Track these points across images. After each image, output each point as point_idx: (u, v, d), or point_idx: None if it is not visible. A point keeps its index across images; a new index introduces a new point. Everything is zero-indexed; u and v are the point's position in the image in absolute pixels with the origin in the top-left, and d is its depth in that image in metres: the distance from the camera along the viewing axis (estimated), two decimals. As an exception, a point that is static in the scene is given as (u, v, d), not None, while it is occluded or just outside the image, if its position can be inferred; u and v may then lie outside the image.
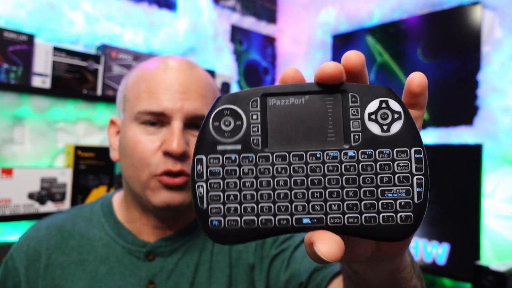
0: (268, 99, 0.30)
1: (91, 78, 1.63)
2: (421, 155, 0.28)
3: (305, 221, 0.29)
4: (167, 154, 0.59)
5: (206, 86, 0.64)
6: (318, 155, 0.29)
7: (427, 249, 1.52)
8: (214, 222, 0.29)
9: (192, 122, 0.62)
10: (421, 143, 0.29)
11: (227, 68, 2.20)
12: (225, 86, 2.08)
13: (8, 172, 1.42)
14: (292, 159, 0.29)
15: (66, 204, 1.56)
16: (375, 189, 0.28)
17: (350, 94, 0.29)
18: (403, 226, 0.28)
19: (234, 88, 2.22)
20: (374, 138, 0.29)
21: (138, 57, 1.75)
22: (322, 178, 0.29)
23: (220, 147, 0.30)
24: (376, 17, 2.00)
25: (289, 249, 0.66)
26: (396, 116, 0.29)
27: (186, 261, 0.65)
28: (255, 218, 0.29)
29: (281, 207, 0.29)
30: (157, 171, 0.60)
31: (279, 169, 0.29)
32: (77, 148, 1.59)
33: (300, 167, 0.29)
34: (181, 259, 0.65)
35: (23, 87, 1.46)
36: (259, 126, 0.30)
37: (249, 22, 2.38)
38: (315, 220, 0.28)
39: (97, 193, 1.64)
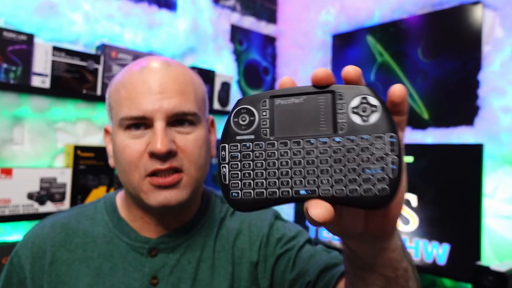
0: (275, 100, 0.38)
1: (90, 78, 1.63)
2: (394, 140, 0.34)
3: (302, 192, 0.36)
4: (153, 155, 0.60)
5: (185, 82, 0.65)
6: (312, 141, 0.36)
7: (427, 249, 1.51)
8: (233, 194, 0.38)
9: (175, 120, 0.63)
10: (395, 130, 0.35)
11: (227, 68, 2.19)
12: (225, 86, 2.08)
13: (7, 172, 1.42)
14: (292, 145, 0.37)
15: (66, 204, 1.56)
16: (357, 167, 0.35)
17: (337, 93, 0.37)
18: (380, 196, 0.34)
19: (234, 88, 2.22)
20: (356, 127, 0.36)
21: (138, 57, 1.74)
22: (315, 159, 0.36)
23: (238, 137, 0.38)
24: (376, 16, 2.00)
25: (294, 249, 0.68)
26: (374, 109, 0.35)
27: (188, 258, 0.67)
28: (264, 191, 0.37)
29: (284, 182, 0.36)
30: (146, 173, 0.61)
31: (282, 153, 0.37)
32: (77, 148, 1.59)
33: (298, 151, 0.37)
34: (183, 255, 0.67)
35: (23, 87, 1.45)
36: (268, 120, 0.38)
37: (249, 22, 2.37)
38: (309, 192, 0.36)
39: (97, 194, 1.64)
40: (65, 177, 1.56)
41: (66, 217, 0.71)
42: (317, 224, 0.34)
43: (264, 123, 0.38)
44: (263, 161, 0.37)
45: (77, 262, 0.66)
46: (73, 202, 1.57)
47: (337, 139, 0.36)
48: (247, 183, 0.37)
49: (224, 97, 2.07)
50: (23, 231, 1.50)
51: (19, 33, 1.44)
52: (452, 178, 1.47)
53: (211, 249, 0.69)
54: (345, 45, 2.14)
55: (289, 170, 0.36)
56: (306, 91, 0.38)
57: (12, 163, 1.50)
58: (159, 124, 0.61)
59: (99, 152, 1.65)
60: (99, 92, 1.66)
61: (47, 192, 1.51)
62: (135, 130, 0.62)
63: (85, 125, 1.70)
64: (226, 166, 0.38)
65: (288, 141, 0.37)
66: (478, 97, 1.61)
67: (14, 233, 1.49)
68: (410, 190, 1.57)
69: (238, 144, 0.38)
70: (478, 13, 1.64)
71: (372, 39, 2.02)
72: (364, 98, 0.36)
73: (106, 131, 0.71)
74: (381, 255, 0.42)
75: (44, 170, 1.51)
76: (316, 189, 0.35)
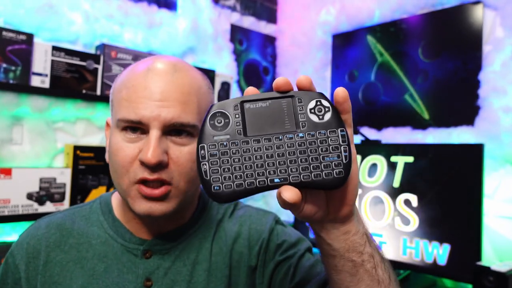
0: (245, 104, 0.45)
1: (90, 77, 1.63)
2: (344, 133, 0.43)
3: (276, 180, 0.42)
4: (143, 163, 0.59)
5: (189, 92, 0.62)
6: (280, 137, 0.43)
7: (428, 250, 1.51)
8: (215, 188, 0.42)
9: (171, 129, 0.61)
10: (343, 125, 0.44)
11: (227, 68, 2.19)
12: (225, 86, 2.08)
13: (7, 172, 1.41)
14: (264, 141, 0.43)
15: (65, 204, 1.55)
16: (318, 156, 0.42)
17: (297, 98, 0.44)
18: (338, 178, 0.42)
19: (234, 88, 2.22)
20: (315, 124, 0.44)
21: (138, 56, 1.74)
22: (284, 152, 0.43)
23: (215, 137, 0.43)
24: (376, 16, 1.99)
25: (295, 257, 0.68)
26: (327, 109, 0.44)
27: (183, 260, 0.67)
28: (243, 182, 0.42)
29: (259, 173, 0.42)
30: (134, 179, 0.60)
31: (256, 148, 0.43)
32: (76, 148, 1.58)
33: (270, 146, 0.43)
34: (177, 257, 0.67)
35: (22, 87, 1.45)
36: (241, 122, 0.44)
37: (249, 22, 2.37)
38: (282, 179, 0.42)
39: (96, 194, 1.63)
40: (65, 177, 1.55)
41: (61, 218, 0.71)
42: (288, 205, 0.41)
43: (237, 124, 0.44)
44: (240, 157, 0.43)
45: (71, 263, 0.66)
46: (73, 202, 1.57)
47: (301, 134, 0.43)
48: (227, 177, 0.42)
49: (224, 97, 2.07)
50: (22, 231, 1.49)
51: (18, 32, 1.44)
52: (452, 178, 1.46)
53: (207, 251, 0.68)
54: (345, 45, 2.13)
55: (263, 163, 0.42)
56: (271, 96, 0.45)
57: (12, 163, 1.50)
58: (154, 133, 0.59)
59: (99, 152, 1.64)
60: (98, 92, 1.65)
61: (46, 192, 1.50)
62: (130, 133, 0.61)
63: (85, 125, 1.69)
64: (206, 163, 0.42)
65: (260, 139, 0.43)
66: (478, 97, 1.61)
67: (13, 233, 1.49)
68: (410, 190, 1.57)
69: (216, 144, 0.43)
70: (479, 12, 1.63)
71: (372, 39, 2.01)
72: (319, 101, 0.44)
73: (108, 125, 0.69)
74: (345, 238, 0.48)
75: (43, 170, 1.50)
76: (288, 176, 0.42)
